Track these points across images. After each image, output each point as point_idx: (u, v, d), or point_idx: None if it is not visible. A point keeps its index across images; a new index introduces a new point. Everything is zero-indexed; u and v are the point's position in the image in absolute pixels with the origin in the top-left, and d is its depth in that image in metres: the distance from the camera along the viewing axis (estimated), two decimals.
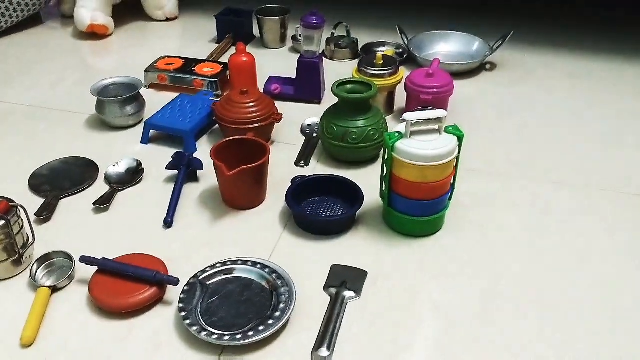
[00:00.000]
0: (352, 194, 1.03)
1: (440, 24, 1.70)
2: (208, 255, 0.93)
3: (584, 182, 1.13)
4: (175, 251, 0.95)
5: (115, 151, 1.20)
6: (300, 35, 1.48)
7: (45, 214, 1.02)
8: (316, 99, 1.39)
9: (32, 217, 0.97)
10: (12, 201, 0.89)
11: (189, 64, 1.47)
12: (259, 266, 0.89)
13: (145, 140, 1.23)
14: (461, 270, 0.93)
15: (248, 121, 1.17)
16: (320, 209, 1.04)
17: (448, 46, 1.62)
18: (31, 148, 1.22)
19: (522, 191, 1.11)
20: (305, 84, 1.37)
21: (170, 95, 1.37)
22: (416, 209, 0.95)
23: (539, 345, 0.81)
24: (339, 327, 0.82)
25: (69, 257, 0.92)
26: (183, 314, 0.81)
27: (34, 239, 0.93)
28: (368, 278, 0.91)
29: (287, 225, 1.02)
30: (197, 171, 1.12)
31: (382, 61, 1.29)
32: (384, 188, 0.98)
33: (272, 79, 1.42)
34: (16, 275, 0.91)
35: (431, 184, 0.93)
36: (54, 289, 0.88)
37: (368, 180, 1.07)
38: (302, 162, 1.18)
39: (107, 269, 0.87)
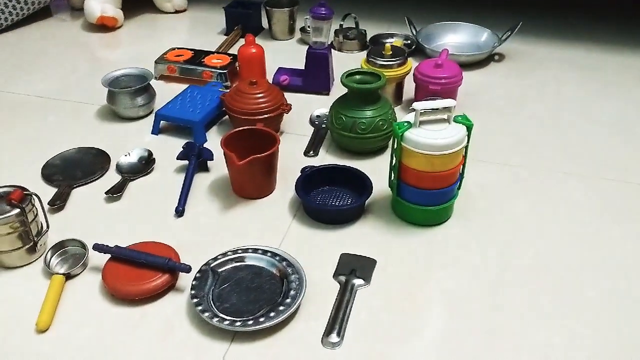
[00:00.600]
0: (360, 183, 1.04)
1: (448, 15, 1.70)
2: (219, 244, 0.94)
3: (593, 172, 1.14)
4: (187, 239, 0.96)
5: (125, 142, 1.22)
6: (309, 26, 1.49)
7: (58, 202, 1.03)
8: (325, 90, 1.39)
9: (46, 206, 0.98)
10: (27, 190, 0.91)
11: (198, 56, 1.47)
12: (269, 254, 0.90)
13: (156, 130, 1.25)
14: (469, 259, 0.94)
15: (257, 112, 1.17)
16: (329, 198, 1.05)
17: (456, 37, 1.62)
18: (43, 138, 1.24)
19: (531, 181, 1.11)
20: (314, 75, 1.37)
21: (180, 87, 1.38)
22: (425, 198, 0.96)
23: (547, 334, 0.81)
24: (349, 314, 0.83)
25: (82, 245, 0.93)
26: (195, 300, 0.82)
27: (47, 227, 0.94)
28: (377, 266, 0.92)
29: (296, 215, 1.03)
30: (208, 161, 1.13)
31: (391, 52, 1.29)
32: (392, 177, 0.99)
33: (280, 70, 1.43)
34: (31, 263, 0.92)
35: (440, 173, 0.93)
36: (68, 276, 0.89)
37: (376, 171, 1.07)
38: (311, 152, 1.19)
39: (120, 256, 0.88)
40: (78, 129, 1.28)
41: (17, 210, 0.88)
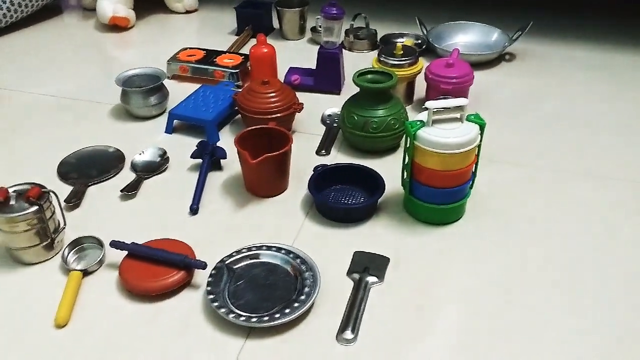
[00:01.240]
0: (373, 182, 1.05)
1: (458, 15, 1.70)
2: (233, 241, 0.95)
3: (604, 172, 1.14)
4: (201, 237, 0.97)
5: (139, 141, 1.23)
6: (320, 26, 1.49)
7: (74, 200, 1.04)
8: (336, 89, 1.40)
9: (62, 204, 0.99)
10: (44, 187, 0.92)
11: (210, 56, 1.49)
12: (283, 251, 0.91)
13: (169, 129, 1.26)
14: (482, 257, 0.94)
15: (269, 111, 1.18)
16: (341, 197, 1.06)
17: (467, 37, 1.62)
18: (58, 137, 1.25)
19: (542, 181, 1.12)
20: (325, 75, 1.38)
21: (191, 87, 1.39)
22: (437, 196, 0.97)
23: (561, 331, 0.82)
24: (363, 311, 0.84)
25: (98, 242, 0.95)
26: (211, 296, 0.83)
27: (64, 224, 0.96)
28: (390, 264, 0.93)
29: (309, 213, 1.03)
30: (221, 160, 1.14)
31: (402, 51, 1.30)
32: (405, 176, 0.99)
33: (292, 70, 1.44)
34: (48, 260, 0.94)
35: (453, 172, 0.94)
36: (85, 273, 0.90)
37: (388, 170, 1.08)
38: (323, 151, 1.20)
39: (136, 253, 0.89)
40: (92, 128, 1.29)
41: (35, 208, 0.89)
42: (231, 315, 0.80)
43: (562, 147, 1.22)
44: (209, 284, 0.85)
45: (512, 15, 1.73)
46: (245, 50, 1.54)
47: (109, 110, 1.35)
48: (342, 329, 0.81)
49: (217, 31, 1.76)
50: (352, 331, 0.81)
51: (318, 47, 1.38)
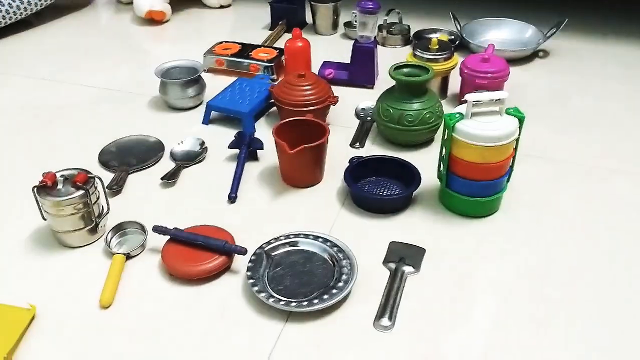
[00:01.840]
0: (408, 175, 1.05)
1: (492, 11, 1.70)
2: (270, 229, 0.96)
3: (638, 168, 1.13)
4: (239, 224, 0.98)
5: (176, 131, 1.25)
6: (356, 20, 1.50)
7: (115, 187, 1.07)
8: (369, 83, 1.41)
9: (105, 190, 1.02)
10: (90, 173, 0.95)
11: (245, 49, 1.51)
12: (320, 240, 0.93)
13: (206, 120, 1.28)
14: (517, 250, 0.94)
15: (305, 103, 1.20)
16: (376, 188, 1.07)
17: (501, 33, 1.62)
18: (97, 127, 1.29)
19: (576, 177, 1.11)
20: (359, 69, 1.39)
21: (227, 79, 1.42)
22: (474, 189, 0.97)
23: (595, 323, 0.82)
24: (400, 300, 0.85)
25: (141, 227, 0.97)
26: (251, 281, 0.85)
27: (108, 209, 0.98)
28: (426, 255, 0.93)
29: (344, 204, 1.05)
30: (257, 151, 1.16)
31: (438, 46, 1.30)
32: (442, 169, 1.00)
33: (326, 64, 1.45)
34: (90, 243, 0.96)
35: (490, 165, 0.94)
36: (127, 257, 0.93)
37: (421, 163, 1.08)
38: (357, 144, 1.21)
39: (178, 238, 0.91)
40: (130, 118, 1.32)
41: (81, 192, 0.92)
42: (271, 300, 0.82)
43: (596, 143, 1.21)
44: (248, 269, 0.87)
45: (547, 12, 1.72)
46: (279, 44, 1.55)
47: (146, 101, 1.38)
48: (379, 316, 0.82)
49: (250, 26, 1.78)
50: (390, 318, 0.82)
51: (351, 42, 1.39)
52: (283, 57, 1.44)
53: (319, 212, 1.03)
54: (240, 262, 0.91)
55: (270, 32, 1.70)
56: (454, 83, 1.35)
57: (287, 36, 1.40)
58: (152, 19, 1.79)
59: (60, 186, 0.92)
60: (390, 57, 1.47)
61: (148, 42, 1.75)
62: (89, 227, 0.95)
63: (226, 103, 1.27)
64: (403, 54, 1.40)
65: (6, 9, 1.67)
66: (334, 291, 0.83)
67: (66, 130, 1.28)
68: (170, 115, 1.33)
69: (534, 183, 1.09)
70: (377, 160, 1.10)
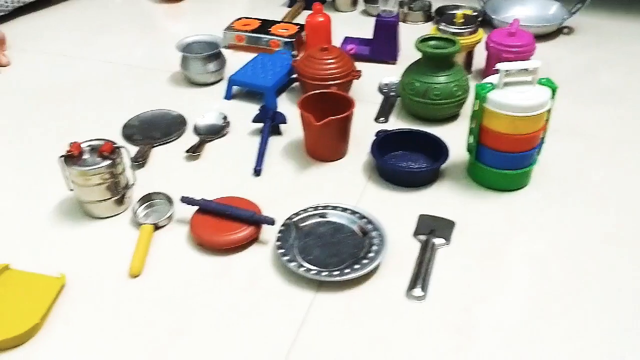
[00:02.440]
0: (435, 148, 1.04)
1: None
2: (296, 202, 0.95)
3: None
4: (265, 196, 0.97)
5: (198, 106, 1.24)
6: None
7: (140, 160, 1.06)
8: (392, 59, 1.39)
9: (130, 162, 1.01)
10: (116, 143, 0.94)
11: (265, 25, 1.49)
12: (348, 211, 0.92)
13: (229, 95, 1.27)
14: (549, 224, 0.93)
15: (328, 77, 1.18)
16: (402, 162, 1.05)
17: (525, 9, 1.59)
18: (119, 101, 1.28)
19: (606, 151, 1.10)
20: (381, 44, 1.38)
21: (247, 55, 1.40)
22: (504, 161, 0.95)
23: (627, 297, 0.81)
24: (431, 271, 0.84)
25: (167, 198, 0.96)
26: (281, 250, 0.84)
27: (134, 180, 0.98)
28: (455, 228, 0.92)
29: (370, 177, 1.04)
30: (280, 125, 1.15)
31: (463, 19, 1.28)
32: (471, 140, 0.98)
33: (347, 40, 1.43)
34: (117, 215, 0.96)
35: (522, 136, 0.93)
36: (155, 227, 0.92)
37: (448, 137, 1.07)
38: (382, 118, 1.19)
39: (206, 208, 0.91)
40: (152, 93, 1.31)
41: (108, 162, 0.91)
42: (302, 269, 0.81)
43: (623, 119, 1.19)
44: (278, 239, 0.86)
45: None
46: (298, 21, 1.53)
47: (167, 77, 1.37)
48: (411, 286, 0.81)
49: (268, 2, 1.76)
50: (422, 289, 0.81)
51: (371, 19, 1.37)
52: (303, 33, 1.42)
53: (345, 186, 1.02)
54: (269, 233, 0.90)
55: (289, 8, 1.68)
56: (479, 59, 1.33)
57: (306, 14, 1.38)
58: None
59: (86, 156, 0.92)
60: (411, 33, 1.43)
61: (166, 19, 1.74)
62: (116, 197, 0.94)
63: (249, 78, 1.26)
64: (424, 30, 1.37)
65: None
66: (365, 261, 0.83)
67: (87, 105, 1.27)
68: (191, 91, 1.32)
69: (564, 158, 1.07)
70: (404, 133, 1.09)
